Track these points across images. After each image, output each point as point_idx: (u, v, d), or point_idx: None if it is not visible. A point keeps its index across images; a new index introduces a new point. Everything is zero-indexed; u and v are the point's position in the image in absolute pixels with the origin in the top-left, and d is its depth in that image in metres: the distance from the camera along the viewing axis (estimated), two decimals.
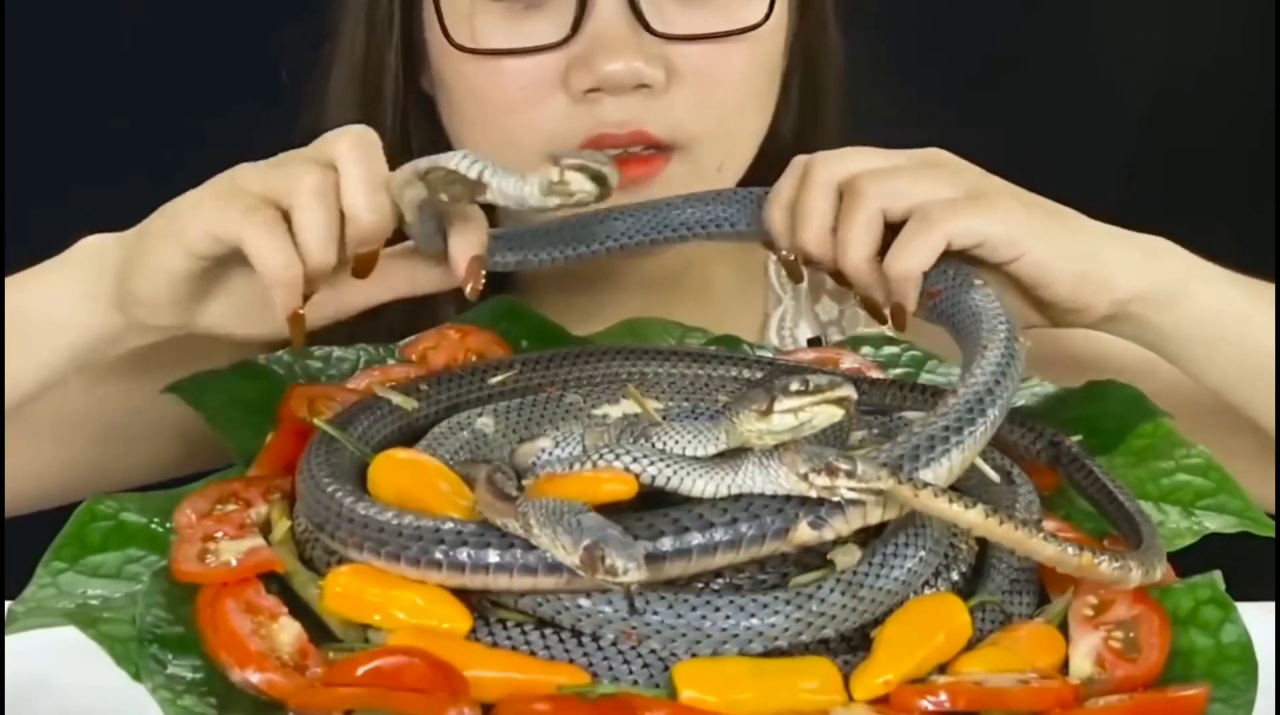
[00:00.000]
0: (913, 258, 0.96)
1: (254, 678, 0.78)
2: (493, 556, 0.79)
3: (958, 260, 0.96)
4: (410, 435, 0.94)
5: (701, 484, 0.81)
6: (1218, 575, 0.84)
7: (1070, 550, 0.80)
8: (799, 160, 1.02)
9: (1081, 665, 0.82)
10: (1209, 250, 1.05)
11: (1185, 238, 1.04)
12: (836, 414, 0.79)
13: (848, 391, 0.79)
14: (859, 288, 0.99)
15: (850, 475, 0.77)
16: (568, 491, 0.82)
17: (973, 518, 0.79)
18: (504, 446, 0.93)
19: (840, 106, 1.33)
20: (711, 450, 0.82)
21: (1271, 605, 0.92)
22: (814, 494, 0.78)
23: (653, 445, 0.83)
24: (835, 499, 0.78)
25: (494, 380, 1.00)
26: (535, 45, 1.19)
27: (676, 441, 0.83)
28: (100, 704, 0.88)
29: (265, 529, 0.88)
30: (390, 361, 1.07)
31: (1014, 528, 0.79)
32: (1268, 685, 0.82)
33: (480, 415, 0.94)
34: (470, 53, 1.20)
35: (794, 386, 0.79)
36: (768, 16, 1.21)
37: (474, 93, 1.22)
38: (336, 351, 1.07)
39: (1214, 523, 0.93)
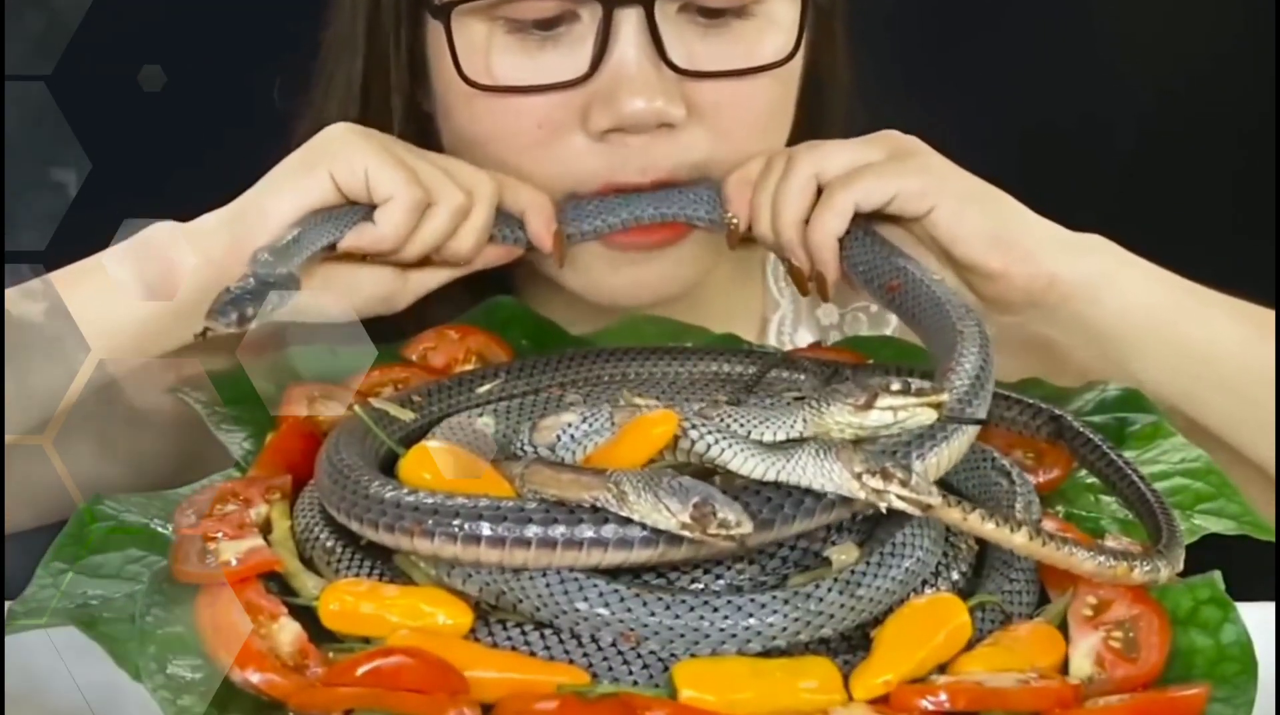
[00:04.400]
0: (824, 225, 1.04)
1: (254, 678, 0.78)
2: (587, 531, 0.79)
3: (909, 255, 1.02)
4: (404, 444, 0.94)
5: (752, 463, 0.81)
6: (1217, 575, 0.84)
7: (1109, 563, 0.83)
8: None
9: (1081, 665, 0.82)
10: (1207, 257, 1.05)
11: (1183, 240, 1.04)
12: (931, 417, 0.81)
13: (945, 397, 0.81)
14: (789, 253, 1.07)
15: (904, 484, 0.78)
16: (622, 450, 0.83)
17: (1018, 540, 0.82)
18: (504, 446, 0.93)
19: (844, 117, 1.28)
20: (781, 435, 0.83)
21: (1271, 605, 0.91)
22: (862, 495, 0.79)
23: (716, 421, 0.84)
24: (882, 503, 0.79)
25: (481, 389, 1.00)
26: (556, 82, 1.13)
27: (741, 423, 0.83)
28: (100, 704, 0.88)
29: (265, 529, 0.88)
30: (390, 362, 1.07)
31: (1056, 547, 0.82)
32: (1268, 685, 0.82)
33: (480, 415, 0.94)
34: (487, 90, 1.14)
35: (895, 386, 0.80)
36: (795, 51, 1.16)
37: (488, 130, 1.15)
38: None
39: (1213, 526, 0.93)
